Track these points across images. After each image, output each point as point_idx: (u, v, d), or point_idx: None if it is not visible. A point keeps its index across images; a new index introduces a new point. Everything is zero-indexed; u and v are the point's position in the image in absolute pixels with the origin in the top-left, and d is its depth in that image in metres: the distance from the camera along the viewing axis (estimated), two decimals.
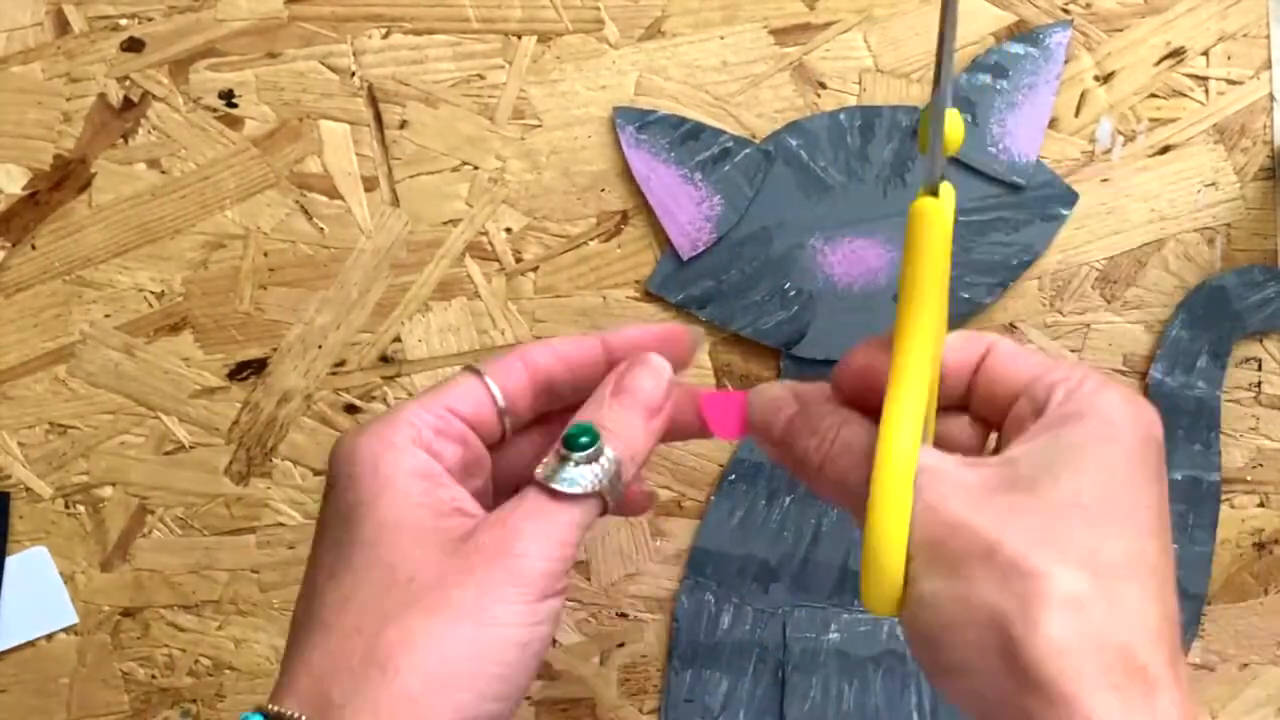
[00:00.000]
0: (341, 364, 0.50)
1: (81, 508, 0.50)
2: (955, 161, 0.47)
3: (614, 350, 0.36)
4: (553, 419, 0.37)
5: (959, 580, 0.29)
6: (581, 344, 0.36)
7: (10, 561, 0.50)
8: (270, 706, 0.30)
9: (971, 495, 0.30)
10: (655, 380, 0.36)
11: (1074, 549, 0.29)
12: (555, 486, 0.32)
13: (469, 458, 0.34)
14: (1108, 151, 0.47)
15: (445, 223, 0.49)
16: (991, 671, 0.28)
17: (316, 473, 0.50)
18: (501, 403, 0.35)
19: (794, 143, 0.48)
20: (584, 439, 0.33)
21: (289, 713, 0.30)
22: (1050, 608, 0.28)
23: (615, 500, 0.33)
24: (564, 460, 0.33)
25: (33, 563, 0.50)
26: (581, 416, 0.34)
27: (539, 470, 0.32)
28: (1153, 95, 0.47)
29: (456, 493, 0.33)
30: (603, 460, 0.33)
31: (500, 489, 0.36)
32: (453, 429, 0.34)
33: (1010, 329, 0.48)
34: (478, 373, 0.35)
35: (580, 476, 0.32)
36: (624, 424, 0.34)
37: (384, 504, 0.32)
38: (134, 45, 0.49)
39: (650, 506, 0.40)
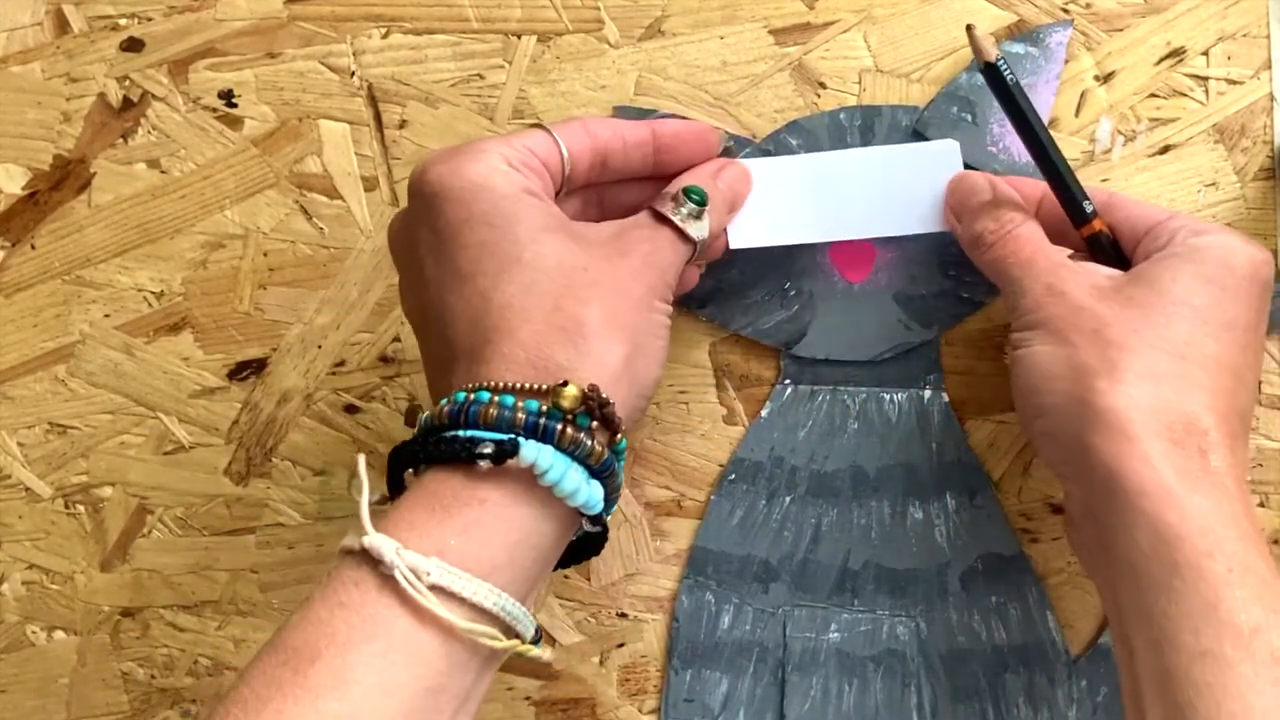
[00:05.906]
0: (341, 364, 0.50)
1: (81, 508, 0.50)
2: None
3: (661, 138, 0.41)
4: (590, 190, 0.42)
5: (1067, 345, 0.37)
6: (637, 127, 0.41)
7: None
8: (489, 383, 0.34)
9: (1098, 290, 0.38)
10: (745, 186, 0.43)
11: (1169, 339, 0.36)
12: (681, 226, 0.39)
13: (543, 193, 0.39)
14: (1108, 151, 0.47)
15: None
16: (1071, 415, 0.36)
17: (316, 473, 0.50)
18: (567, 161, 0.39)
19: (794, 143, 0.48)
20: (698, 198, 0.40)
21: (517, 383, 0.34)
22: (1131, 372, 0.36)
23: (695, 258, 0.40)
24: (683, 208, 0.39)
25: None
26: (690, 182, 0.40)
27: (669, 210, 0.39)
28: (1153, 95, 0.47)
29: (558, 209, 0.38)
30: (704, 221, 0.40)
31: None
32: (533, 164, 0.38)
33: (1010, 329, 0.48)
34: (547, 130, 0.39)
35: (695, 227, 0.39)
36: (717, 204, 0.41)
37: (525, 211, 0.36)
38: (134, 45, 0.49)
39: (693, 283, 0.44)
